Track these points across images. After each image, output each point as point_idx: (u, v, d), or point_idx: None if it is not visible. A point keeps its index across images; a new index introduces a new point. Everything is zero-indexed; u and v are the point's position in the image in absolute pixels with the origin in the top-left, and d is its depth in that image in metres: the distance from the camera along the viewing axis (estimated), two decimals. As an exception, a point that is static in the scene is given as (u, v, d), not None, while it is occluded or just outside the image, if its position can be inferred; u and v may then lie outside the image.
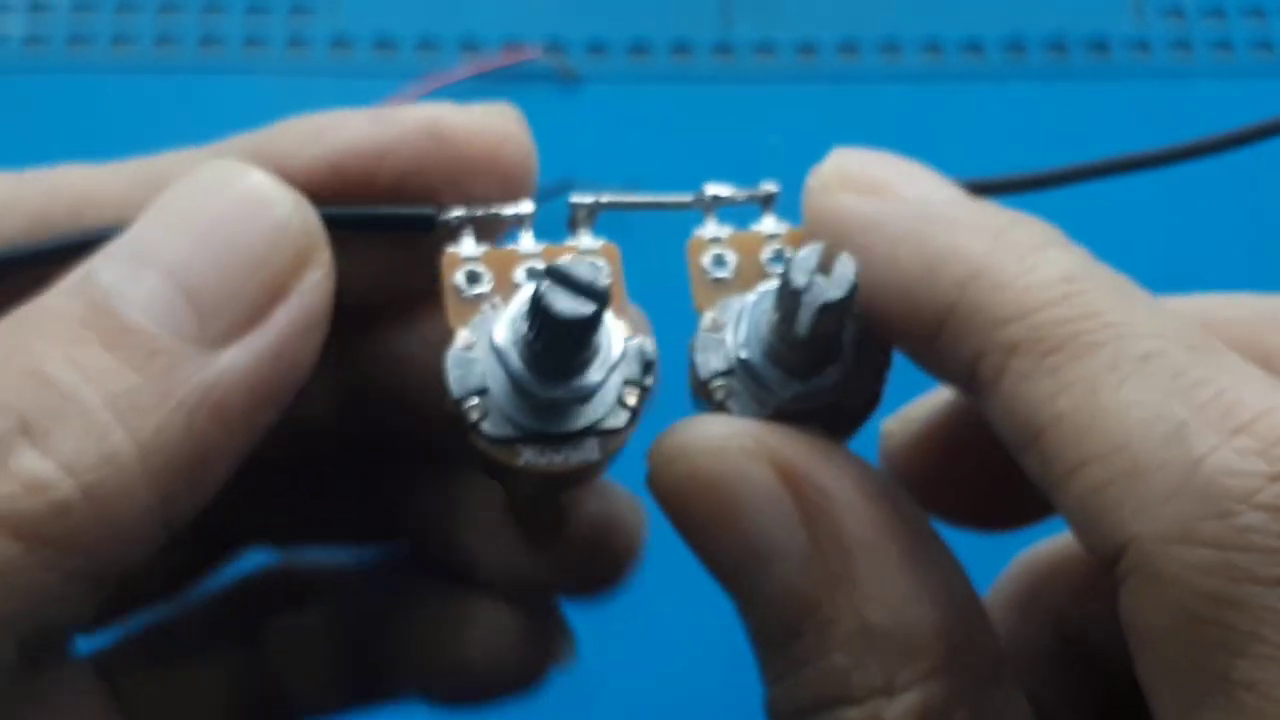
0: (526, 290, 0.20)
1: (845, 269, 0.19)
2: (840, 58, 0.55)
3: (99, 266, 0.18)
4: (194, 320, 0.18)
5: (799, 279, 0.19)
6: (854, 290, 0.19)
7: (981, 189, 0.22)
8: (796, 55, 0.55)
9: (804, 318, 0.19)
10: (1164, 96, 0.54)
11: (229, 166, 0.20)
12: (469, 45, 0.54)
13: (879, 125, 0.52)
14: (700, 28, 0.55)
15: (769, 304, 0.20)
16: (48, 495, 0.16)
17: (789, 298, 0.19)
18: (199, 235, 0.19)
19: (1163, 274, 0.50)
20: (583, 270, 0.19)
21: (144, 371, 0.17)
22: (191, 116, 0.51)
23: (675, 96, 0.54)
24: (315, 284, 0.19)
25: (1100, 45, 0.55)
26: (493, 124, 0.22)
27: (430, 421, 0.22)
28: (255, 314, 0.19)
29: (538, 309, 0.19)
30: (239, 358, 0.18)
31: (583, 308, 0.19)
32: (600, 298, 0.19)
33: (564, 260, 0.19)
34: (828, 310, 0.19)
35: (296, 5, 0.56)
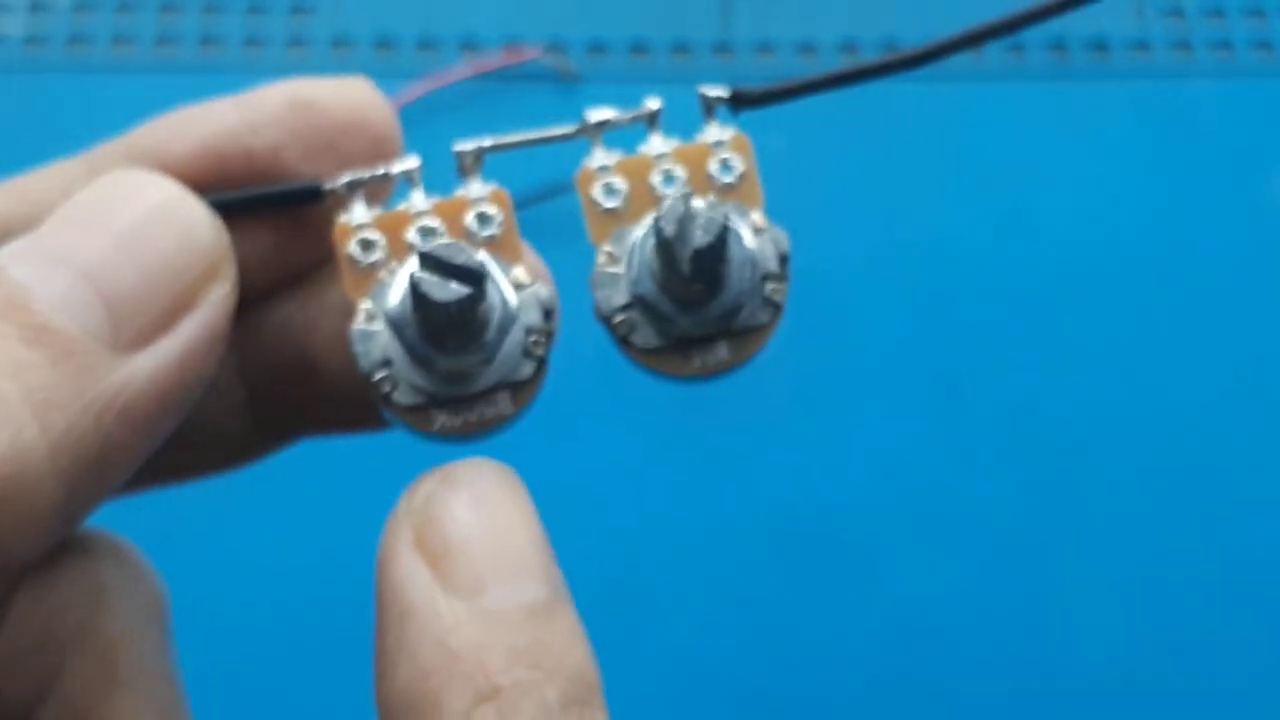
0: (410, 265, 0.20)
1: (715, 213, 0.20)
2: (840, 58, 0.55)
3: (6, 264, 0.18)
4: (108, 323, 0.18)
5: (668, 229, 0.20)
6: (724, 232, 0.20)
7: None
8: (796, 55, 0.55)
9: (681, 263, 0.20)
10: (1164, 96, 0.54)
11: (139, 174, 0.20)
12: (469, 45, 0.54)
13: (879, 125, 0.52)
14: (700, 28, 0.55)
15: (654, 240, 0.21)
16: None
17: (662, 246, 0.20)
18: (115, 240, 0.19)
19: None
20: (454, 252, 0.19)
21: (60, 369, 0.18)
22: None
23: (675, 96, 0.53)
24: (222, 297, 0.20)
25: (1100, 45, 0.55)
26: (352, 90, 0.22)
27: (344, 388, 0.22)
28: (165, 322, 0.19)
29: (415, 296, 0.19)
30: (147, 364, 0.19)
31: (458, 290, 0.19)
32: (474, 278, 0.19)
33: (435, 245, 0.19)
34: (701, 255, 0.20)
35: (296, 5, 0.56)
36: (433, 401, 0.20)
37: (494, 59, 0.53)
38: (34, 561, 0.18)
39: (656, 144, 0.22)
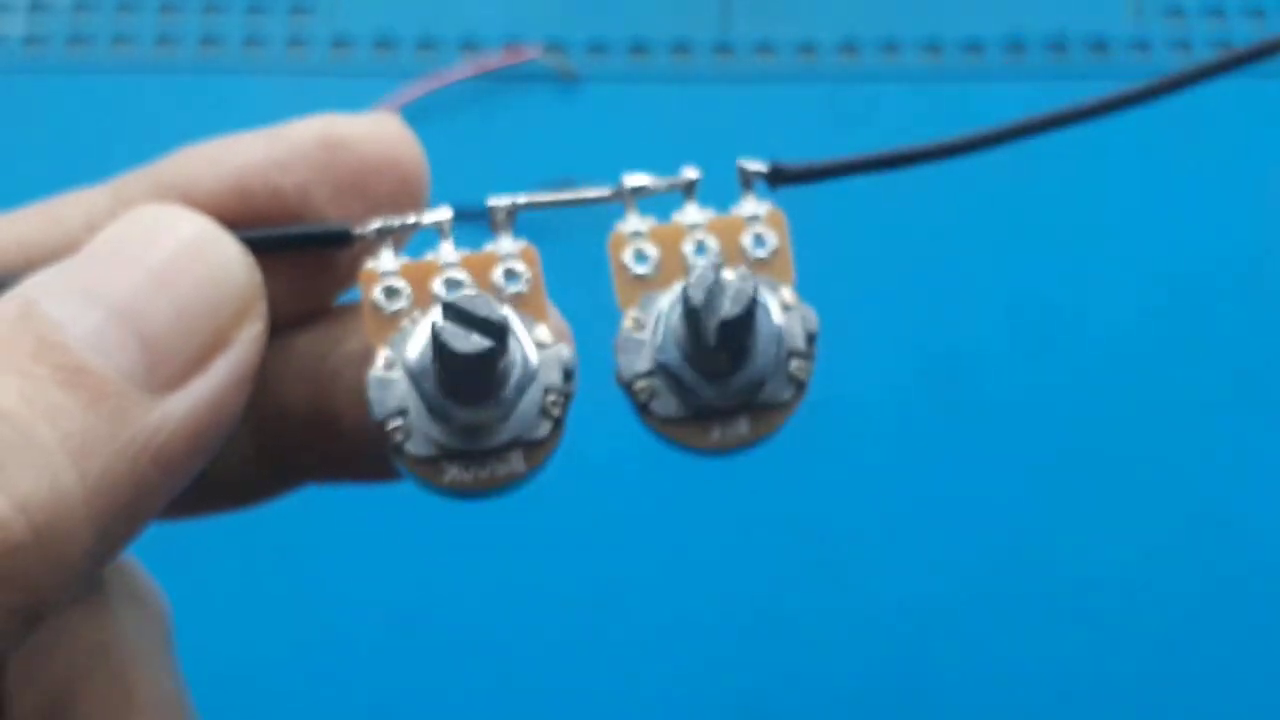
0: (433, 315, 0.20)
1: (745, 285, 0.19)
2: (840, 58, 0.55)
3: (40, 299, 0.18)
4: (143, 364, 0.18)
5: (696, 297, 0.19)
6: (753, 305, 0.19)
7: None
8: (796, 55, 0.55)
9: (708, 332, 0.20)
10: (1164, 96, 0.54)
11: (171, 208, 0.20)
12: (469, 45, 0.54)
13: (879, 125, 0.52)
14: (700, 28, 0.55)
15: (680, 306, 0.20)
16: (1, 535, 0.16)
17: (690, 314, 0.20)
18: (149, 277, 0.19)
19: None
20: (478, 304, 0.19)
21: (95, 413, 0.17)
22: (191, 116, 0.51)
23: (675, 96, 0.54)
24: (254, 336, 0.20)
25: (1100, 45, 0.55)
26: (383, 128, 0.22)
27: (354, 431, 0.22)
28: (199, 362, 0.19)
29: (436, 344, 0.19)
30: (181, 405, 0.18)
31: (479, 343, 0.19)
32: (497, 332, 0.19)
33: (459, 296, 0.19)
34: (727, 326, 0.20)
35: (296, 5, 0.56)
36: (445, 454, 0.20)
37: (494, 59, 0.53)
38: (62, 605, 0.18)
39: (691, 213, 0.22)
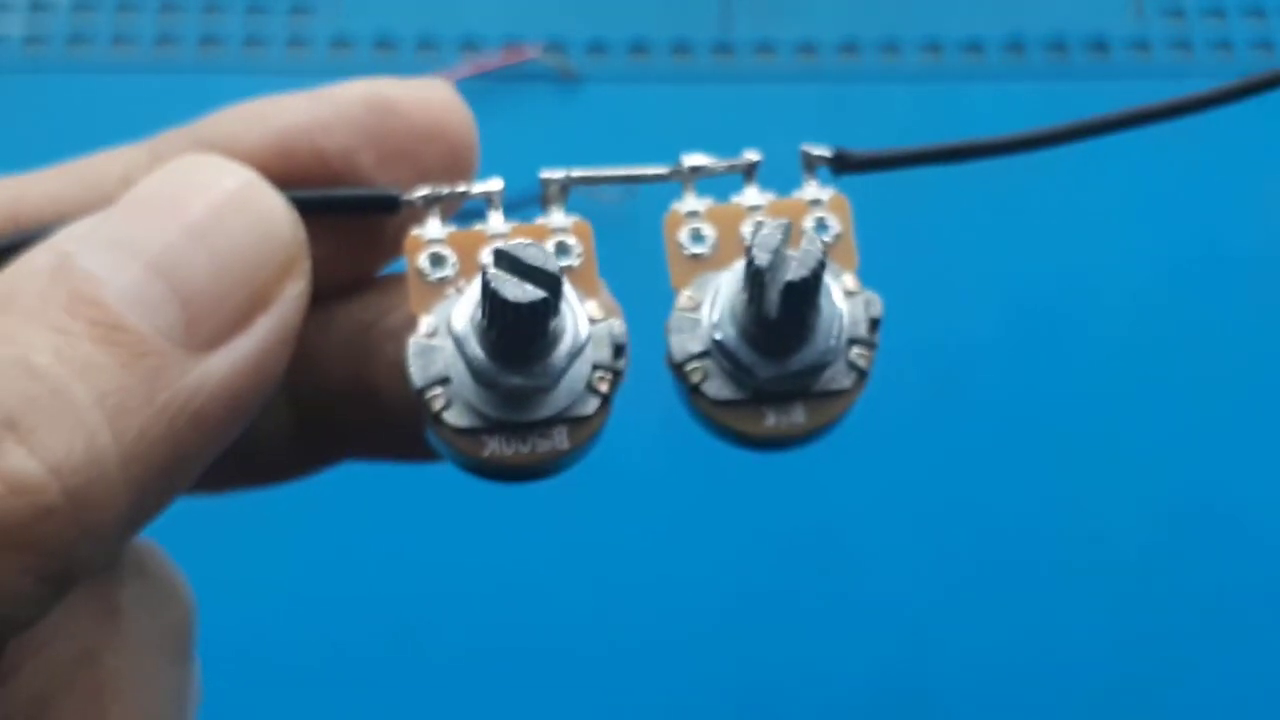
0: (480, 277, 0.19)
1: (812, 247, 0.18)
2: (840, 58, 0.55)
3: (75, 251, 0.17)
4: (182, 321, 0.17)
5: (762, 258, 0.18)
6: (820, 268, 0.18)
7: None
8: (796, 55, 0.55)
9: (770, 298, 0.19)
10: (1164, 96, 0.53)
11: (213, 161, 0.19)
12: (469, 45, 0.54)
13: (879, 125, 0.52)
14: (700, 28, 0.55)
15: (741, 275, 0.19)
16: (32, 498, 0.16)
17: (753, 277, 0.19)
18: (190, 232, 0.18)
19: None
20: (532, 253, 0.18)
21: (132, 372, 0.17)
22: (191, 116, 0.51)
23: (675, 96, 0.54)
24: (297, 295, 0.19)
25: (1100, 45, 0.55)
26: (434, 94, 0.21)
27: (394, 406, 0.21)
28: (240, 320, 0.18)
29: (487, 295, 0.18)
30: (221, 365, 0.17)
31: (532, 293, 0.18)
32: (551, 282, 0.18)
33: (512, 244, 0.18)
34: (793, 290, 0.18)
35: (296, 5, 0.56)
36: (486, 426, 0.19)
37: (494, 59, 0.53)
38: (93, 574, 0.17)
39: (751, 195, 0.21)
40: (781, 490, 0.45)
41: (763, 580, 0.45)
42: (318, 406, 0.22)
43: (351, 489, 0.28)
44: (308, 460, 0.24)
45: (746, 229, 0.21)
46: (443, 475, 0.21)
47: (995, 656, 0.44)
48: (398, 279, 0.21)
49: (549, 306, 0.18)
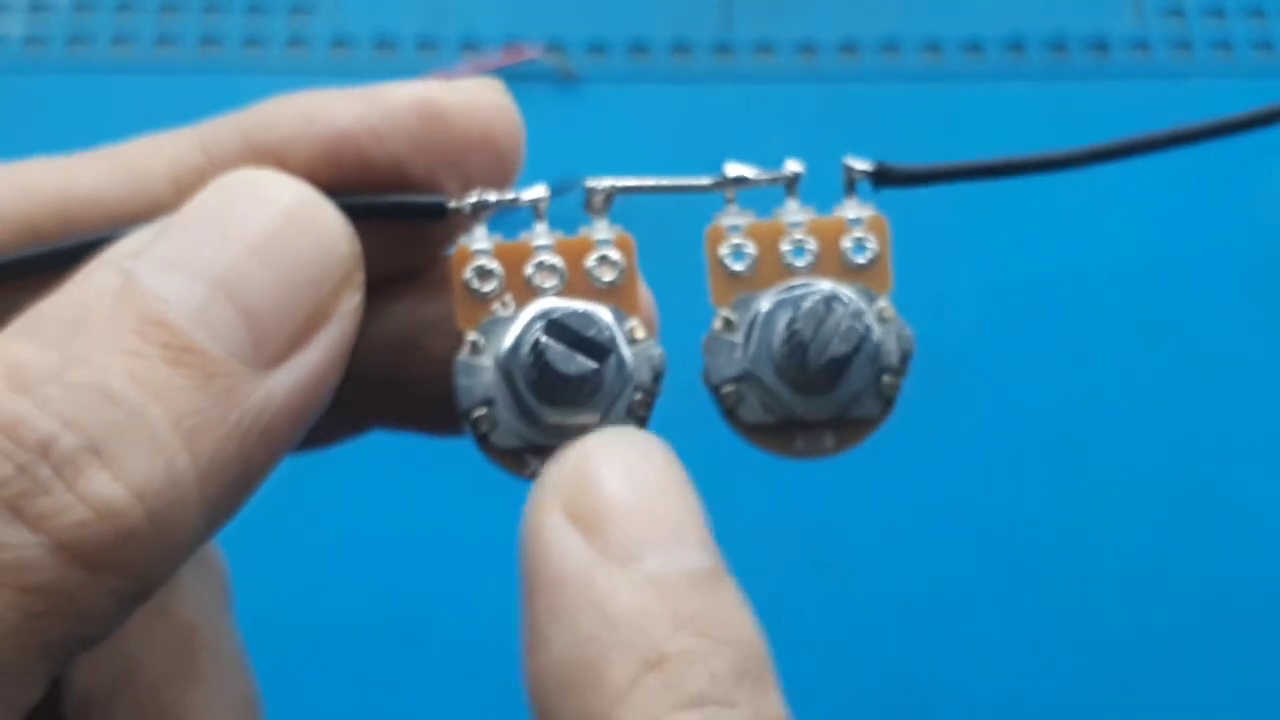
0: (530, 311, 0.20)
1: (857, 324, 0.19)
2: (840, 58, 0.55)
3: (141, 272, 0.17)
4: (249, 341, 0.17)
5: (806, 332, 0.19)
6: (862, 343, 0.19)
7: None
8: (796, 55, 0.55)
9: (812, 363, 0.19)
10: (1164, 96, 0.54)
11: (269, 175, 0.19)
12: (469, 45, 0.54)
13: (879, 125, 0.52)
14: (700, 28, 0.55)
15: (782, 322, 0.20)
16: (118, 522, 0.16)
17: (797, 346, 0.19)
18: (253, 251, 0.18)
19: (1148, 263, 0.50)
20: (584, 324, 0.19)
21: (205, 393, 0.17)
22: (192, 116, 0.51)
23: (675, 96, 0.54)
24: (354, 308, 0.19)
25: (1100, 45, 0.55)
26: (484, 99, 0.21)
27: (429, 391, 0.21)
28: (302, 336, 0.18)
29: (539, 363, 0.19)
30: (286, 381, 0.18)
31: (584, 364, 0.19)
32: (601, 354, 0.19)
33: (566, 313, 0.19)
34: (835, 363, 0.19)
35: (296, 5, 0.56)
36: (529, 448, 0.20)
37: (494, 59, 0.53)
38: (163, 585, 0.18)
39: (792, 210, 0.21)
40: (779, 488, 0.45)
41: (760, 579, 0.45)
42: (355, 388, 0.22)
43: (369, 464, 0.28)
44: (340, 430, 0.24)
45: (786, 247, 0.21)
46: (465, 453, 0.21)
47: (995, 657, 0.44)
48: (437, 269, 0.22)
49: (599, 376, 0.19)
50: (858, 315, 0.19)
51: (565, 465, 0.18)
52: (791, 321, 0.19)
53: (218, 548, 0.25)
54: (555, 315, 0.19)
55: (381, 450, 0.27)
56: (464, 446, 0.21)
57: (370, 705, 0.43)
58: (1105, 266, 0.50)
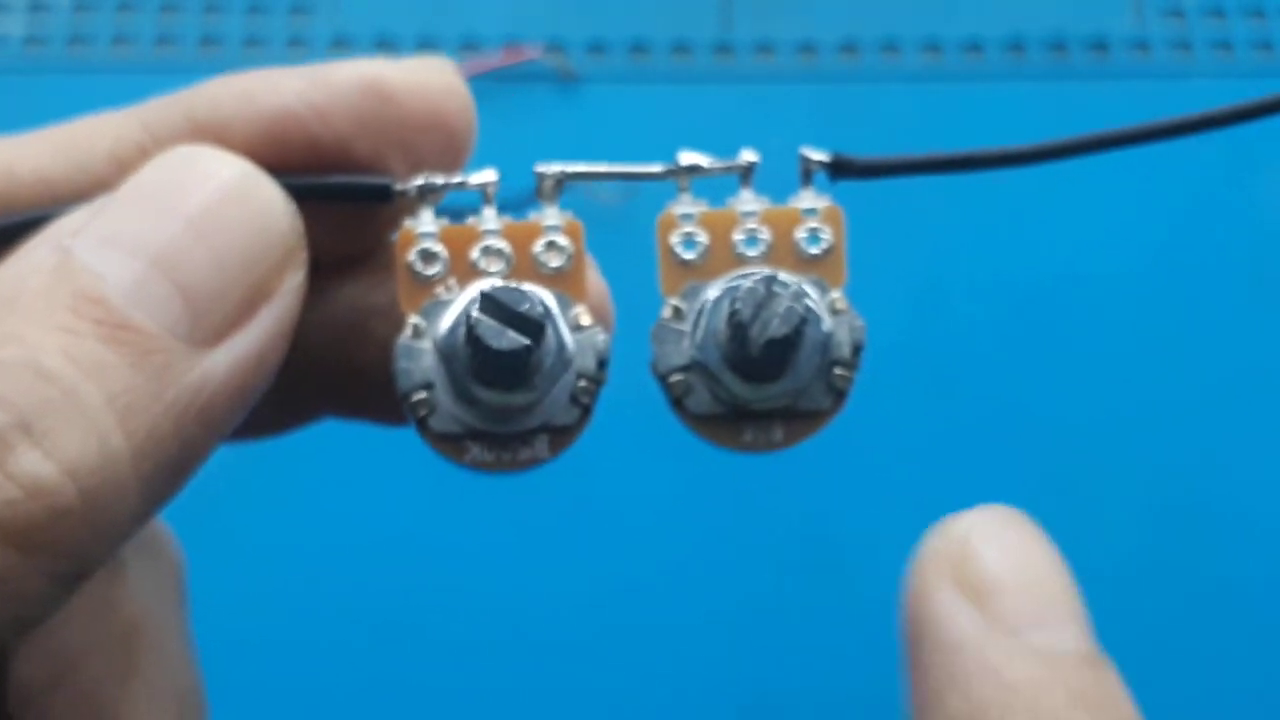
0: (468, 294, 0.19)
1: (796, 304, 0.19)
2: (840, 58, 0.55)
3: (77, 247, 0.17)
4: (185, 318, 0.17)
5: (745, 312, 0.19)
6: (802, 325, 0.19)
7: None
8: (796, 55, 0.55)
9: (752, 347, 0.19)
10: (1164, 96, 0.54)
11: (209, 151, 0.19)
12: (469, 45, 0.54)
13: (879, 125, 0.52)
14: (700, 28, 0.55)
15: (726, 309, 0.20)
16: (49, 500, 0.16)
17: (737, 327, 0.19)
18: (191, 227, 0.18)
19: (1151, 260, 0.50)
20: (516, 299, 0.18)
21: (140, 371, 0.17)
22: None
23: (675, 96, 0.54)
24: (296, 287, 0.19)
25: (1100, 45, 0.55)
26: (432, 79, 0.21)
27: (377, 378, 0.21)
28: (242, 314, 0.18)
29: (470, 337, 0.19)
30: (225, 360, 0.18)
31: (515, 340, 0.18)
32: (534, 329, 0.18)
33: (499, 288, 0.19)
34: (774, 345, 0.19)
35: (296, 5, 0.56)
36: (468, 434, 0.20)
37: (494, 59, 0.53)
38: (102, 567, 0.17)
39: (746, 199, 0.21)
40: (777, 486, 0.45)
41: (757, 576, 0.45)
42: (302, 373, 0.22)
43: (335, 453, 0.28)
44: (289, 418, 0.24)
45: (738, 236, 0.21)
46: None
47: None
48: (386, 254, 0.21)
49: (530, 353, 0.19)
50: (797, 297, 0.19)
51: (950, 537, 0.19)
52: (732, 302, 0.19)
53: (173, 538, 0.24)
54: (487, 291, 0.18)
55: (338, 441, 0.26)
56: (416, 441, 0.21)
57: (341, 699, 0.43)
58: (1101, 262, 0.50)
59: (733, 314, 0.19)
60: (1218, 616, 0.44)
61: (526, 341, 0.18)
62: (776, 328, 0.19)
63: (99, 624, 0.23)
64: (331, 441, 0.26)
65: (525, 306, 0.18)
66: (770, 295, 0.19)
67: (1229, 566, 0.45)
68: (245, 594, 0.42)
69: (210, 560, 0.27)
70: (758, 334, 0.19)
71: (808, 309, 0.19)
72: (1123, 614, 0.45)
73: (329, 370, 0.22)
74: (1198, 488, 0.46)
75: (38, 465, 0.16)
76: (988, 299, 0.50)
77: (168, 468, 0.17)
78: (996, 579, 0.18)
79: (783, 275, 0.19)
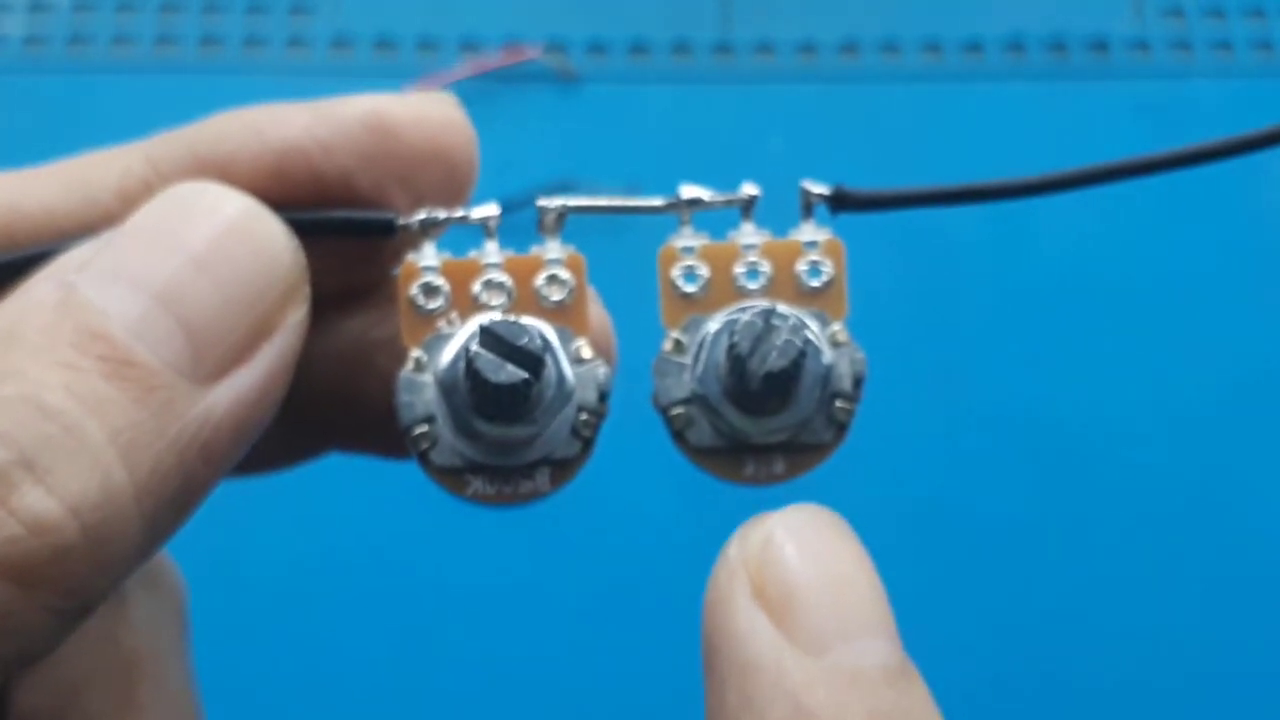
0: (469, 328, 0.20)
1: (794, 338, 0.19)
2: (840, 58, 0.55)
3: (80, 283, 0.17)
4: (188, 353, 0.17)
5: (743, 345, 0.19)
6: (801, 358, 0.19)
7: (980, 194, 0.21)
8: (796, 55, 0.55)
9: (751, 381, 0.19)
10: (1164, 96, 0.54)
11: (212, 187, 0.19)
12: (469, 45, 0.54)
13: (879, 125, 0.52)
14: (700, 28, 0.55)
15: (725, 340, 0.20)
16: (51, 537, 0.16)
17: (736, 360, 0.19)
18: (195, 263, 0.18)
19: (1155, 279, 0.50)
20: (516, 333, 0.18)
21: (143, 407, 0.17)
22: (191, 116, 0.51)
23: (675, 96, 0.54)
24: (298, 322, 0.19)
25: (1100, 45, 0.55)
26: (434, 112, 0.21)
27: (382, 411, 0.21)
28: (244, 350, 0.18)
29: (470, 373, 0.19)
30: (227, 395, 0.18)
31: (514, 374, 0.18)
32: (533, 363, 0.18)
33: (498, 322, 0.19)
34: (772, 378, 0.19)
35: (296, 5, 0.56)
36: (470, 467, 0.20)
37: (494, 59, 0.53)
38: (104, 601, 0.17)
39: (747, 233, 0.21)
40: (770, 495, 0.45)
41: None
42: (307, 407, 0.22)
43: (340, 483, 0.28)
44: (295, 452, 0.24)
45: (740, 269, 0.21)
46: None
47: (997, 664, 0.44)
48: (390, 287, 0.21)
49: (529, 386, 0.19)
50: (796, 330, 0.19)
51: (750, 542, 0.18)
52: (731, 335, 0.19)
53: (176, 570, 0.24)
54: (486, 325, 0.19)
55: (341, 473, 0.27)
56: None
57: None
58: (1104, 261, 0.50)
59: (731, 347, 0.19)
60: (1228, 623, 0.44)
61: (525, 375, 0.18)
62: (774, 361, 0.19)
63: (100, 657, 0.23)
64: (335, 473, 0.26)
65: (524, 340, 0.18)
66: (769, 329, 0.19)
67: (1240, 565, 0.45)
68: (248, 624, 0.42)
69: (212, 590, 0.27)
70: (756, 367, 0.19)
71: (807, 341, 0.19)
72: (1131, 619, 0.45)
73: (333, 404, 0.22)
74: (1210, 494, 0.46)
75: (40, 502, 0.16)
76: (987, 291, 0.50)
77: (170, 503, 0.17)
78: (798, 589, 0.17)
79: (781, 308, 0.19)
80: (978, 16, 0.56)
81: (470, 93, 0.52)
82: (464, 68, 0.53)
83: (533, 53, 0.53)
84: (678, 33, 0.55)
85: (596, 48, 0.55)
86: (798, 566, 0.18)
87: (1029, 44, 0.55)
